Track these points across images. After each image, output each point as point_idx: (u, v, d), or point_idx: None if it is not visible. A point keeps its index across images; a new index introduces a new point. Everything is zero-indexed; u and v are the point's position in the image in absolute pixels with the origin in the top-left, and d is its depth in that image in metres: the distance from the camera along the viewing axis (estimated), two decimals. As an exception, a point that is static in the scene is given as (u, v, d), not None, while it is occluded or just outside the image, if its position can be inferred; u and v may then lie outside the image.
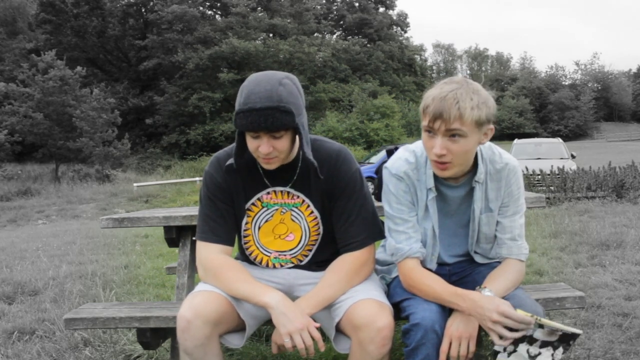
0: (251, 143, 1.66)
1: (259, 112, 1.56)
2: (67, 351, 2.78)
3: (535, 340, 1.53)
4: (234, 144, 1.82)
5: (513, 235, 1.77)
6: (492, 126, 1.64)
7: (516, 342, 1.53)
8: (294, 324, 1.58)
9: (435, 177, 1.74)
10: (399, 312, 1.73)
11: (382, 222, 1.91)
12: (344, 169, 1.79)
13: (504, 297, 1.65)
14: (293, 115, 1.60)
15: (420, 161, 1.75)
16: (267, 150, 1.63)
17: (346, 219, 1.78)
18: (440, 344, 1.58)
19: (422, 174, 1.74)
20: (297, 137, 1.73)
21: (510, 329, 1.50)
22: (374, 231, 1.81)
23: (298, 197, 1.82)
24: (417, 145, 1.78)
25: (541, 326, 1.51)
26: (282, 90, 1.59)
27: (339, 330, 1.72)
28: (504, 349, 1.54)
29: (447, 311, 1.65)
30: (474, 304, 1.56)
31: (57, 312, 3.35)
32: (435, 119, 1.55)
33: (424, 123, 1.60)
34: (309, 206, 1.82)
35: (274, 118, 1.57)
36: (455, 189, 1.76)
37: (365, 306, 1.63)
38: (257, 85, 1.60)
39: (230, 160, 1.75)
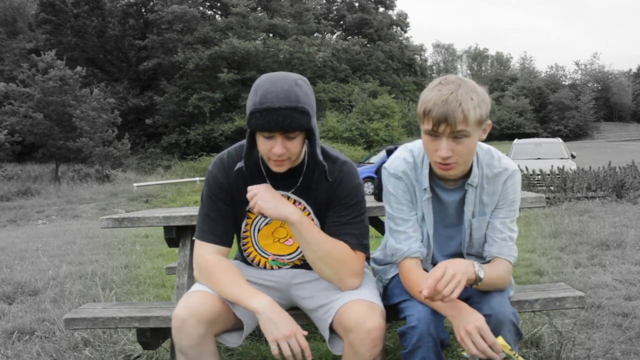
0: (264, 144, 1.62)
1: (277, 112, 1.53)
2: (67, 351, 2.78)
3: None
4: (236, 144, 1.80)
5: (504, 236, 1.75)
6: (490, 122, 1.64)
7: None
8: (280, 330, 1.55)
9: (432, 178, 1.74)
10: (397, 313, 1.72)
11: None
12: (347, 181, 1.76)
13: (484, 295, 1.64)
14: (309, 116, 1.57)
15: (417, 161, 1.75)
16: (281, 151, 1.59)
17: (338, 225, 1.73)
18: (437, 347, 1.57)
19: (419, 174, 1.74)
20: (305, 141, 1.70)
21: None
22: (363, 244, 1.75)
23: (300, 203, 1.80)
24: (415, 145, 1.78)
25: None
26: (299, 90, 1.57)
27: (333, 331, 1.71)
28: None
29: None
30: (458, 312, 1.55)
31: (57, 312, 3.35)
32: (439, 123, 1.53)
33: (427, 127, 1.58)
34: (309, 213, 1.80)
35: (291, 118, 1.54)
36: (451, 192, 1.76)
37: (354, 308, 1.61)
38: (274, 84, 1.56)
39: (240, 164, 1.72)
